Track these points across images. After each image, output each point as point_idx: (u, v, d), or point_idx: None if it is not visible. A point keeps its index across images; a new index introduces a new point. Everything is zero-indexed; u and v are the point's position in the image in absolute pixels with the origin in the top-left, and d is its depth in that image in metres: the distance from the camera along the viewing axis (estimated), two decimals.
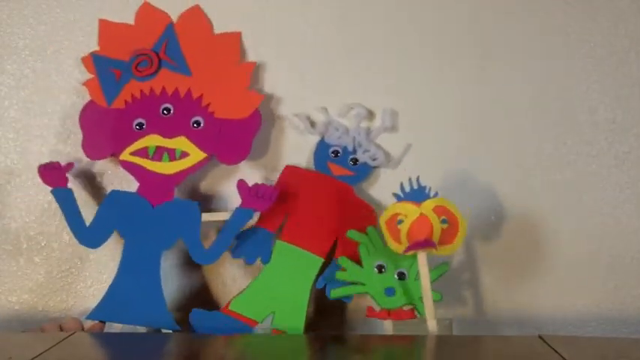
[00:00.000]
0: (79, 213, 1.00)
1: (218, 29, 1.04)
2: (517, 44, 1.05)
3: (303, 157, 1.06)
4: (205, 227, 1.02)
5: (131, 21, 1.04)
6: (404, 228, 0.94)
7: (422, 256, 0.95)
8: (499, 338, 1.02)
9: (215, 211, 1.03)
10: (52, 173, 1.00)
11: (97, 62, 1.03)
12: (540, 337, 0.93)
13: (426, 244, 0.93)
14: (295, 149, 1.05)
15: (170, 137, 1.01)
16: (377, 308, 0.98)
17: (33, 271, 1.07)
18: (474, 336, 1.03)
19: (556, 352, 0.88)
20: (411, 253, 0.94)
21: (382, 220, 0.96)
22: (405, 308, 0.98)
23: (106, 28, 1.04)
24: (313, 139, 1.05)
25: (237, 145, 1.01)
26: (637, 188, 1.06)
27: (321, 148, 1.04)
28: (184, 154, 1.01)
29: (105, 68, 1.03)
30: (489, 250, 1.06)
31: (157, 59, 1.02)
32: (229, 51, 1.03)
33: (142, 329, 1.00)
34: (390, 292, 0.98)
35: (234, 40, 1.04)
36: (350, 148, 1.04)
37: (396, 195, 0.97)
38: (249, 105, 1.01)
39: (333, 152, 1.04)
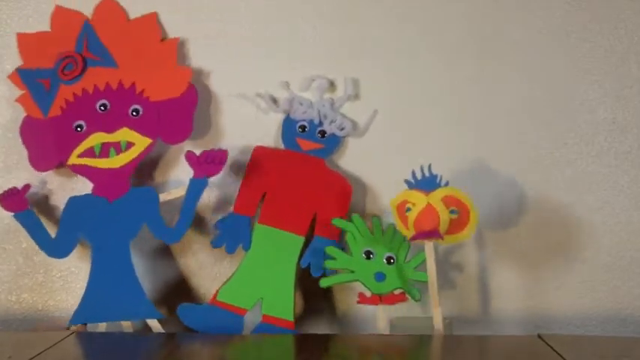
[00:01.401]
0: (44, 229, 1.01)
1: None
2: (516, 44, 1.05)
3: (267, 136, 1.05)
4: (169, 209, 1.01)
5: (47, 27, 1.04)
6: (411, 216, 0.94)
7: (428, 246, 0.95)
8: (499, 337, 1.02)
9: None
10: (11, 199, 1.01)
11: (23, 77, 1.03)
12: (540, 336, 0.93)
13: (432, 234, 0.93)
14: (259, 129, 1.05)
15: (112, 131, 1.02)
16: (368, 294, 0.98)
17: (32, 270, 1.07)
18: (474, 335, 1.03)
19: (555, 351, 0.88)
20: (416, 241, 0.94)
21: (393, 204, 0.96)
22: (396, 292, 0.98)
23: (24, 40, 1.04)
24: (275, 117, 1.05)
25: (179, 123, 1.01)
26: (637, 188, 1.05)
27: (288, 124, 1.04)
28: (130, 145, 1.01)
29: (32, 81, 1.03)
30: (488, 250, 1.06)
31: (81, 59, 1.02)
32: (149, 33, 1.03)
33: (127, 325, 1.00)
34: (380, 277, 0.98)
35: (150, 21, 1.03)
36: (316, 121, 1.03)
37: (407, 182, 0.97)
38: (181, 81, 1.01)
39: (300, 127, 1.04)
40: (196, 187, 0.99)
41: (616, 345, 0.94)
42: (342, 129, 1.03)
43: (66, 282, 1.07)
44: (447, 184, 0.96)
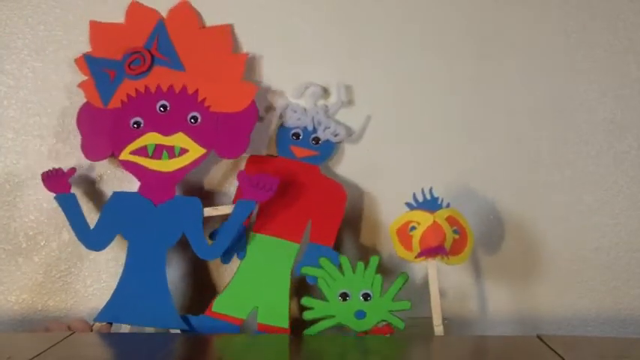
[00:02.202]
0: (83, 217, 1.00)
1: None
2: (515, 43, 1.05)
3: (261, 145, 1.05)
4: (211, 223, 1.01)
5: (122, 20, 1.04)
6: (417, 234, 0.94)
7: (432, 264, 0.95)
8: (498, 338, 1.02)
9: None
10: (54, 180, 1.00)
11: (90, 63, 1.03)
12: (539, 337, 0.93)
13: (439, 250, 0.93)
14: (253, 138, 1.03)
15: (168, 134, 1.01)
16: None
17: (32, 270, 1.07)
18: (473, 336, 1.03)
19: (555, 352, 0.88)
20: (422, 259, 0.95)
21: (393, 228, 0.96)
22: (380, 325, 0.98)
23: (96, 28, 1.04)
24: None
25: (236, 139, 1.00)
26: (636, 188, 1.06)
27: (282, 132, 1.04)
28: (183, 151, 1.01)
29: (98, 69, 1.03)
30: (487, 250, 1.06)
31: (150, 56, 1.02)
32: (221, 43, 1.03)
33: (150, 329, 1.00)
34: (360, 314, 0.98)
35: (225, 32, 1.03)
36: (310, 128, 1.03)
37: (408, 204, 0.97)
38: (244, 97, 1.01)
39: (294, 135, 1.03)
40: (242, 209, 0.98)
41: (616, 345, 0.94)
42: (336, 135, 1.03)
43: (65, 283, 1.07)
44: (448, 205, 0.96)
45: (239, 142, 1.00)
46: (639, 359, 0.89)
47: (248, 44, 1.04)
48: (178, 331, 0.99)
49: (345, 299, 0.98)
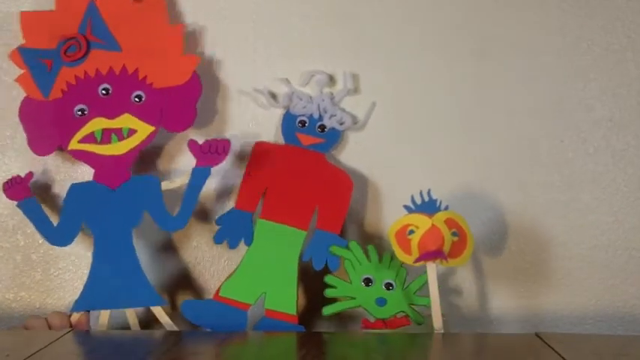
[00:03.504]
0: (46, 217, 1.01)
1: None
2: (513, 42, 1.05)
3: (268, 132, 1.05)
4: (172, 199, 1.01)
5: (52, 7, 1.02)
6: (415, 238, 0.94)
7: (431, 267, 0.95)
8: (496, 336, 1.02)
9: None
10: (15, 188, 1.00)
11: (25, 55, 1.01)
12: (537, 334, 0.93)
13: (437, 254, 0.93)
14: (260, 125, 1.05)
15: (114, 117, 1.00)
16: (371, 319, 0.99)
17: (30, 268, 1.07)
18: (471, 333, 1.03)
19: (553, 349, 0.88)
20: (420, 263, 0.95)
21: (392, 231, 0.96)
22: (399, 316, 0.98)
23: (28, 19, 1.01)
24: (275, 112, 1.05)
25: (182, 112, 1.00)
26: (634, 186, 1.06)
27: (288, 119, 1.04)
28: (132, 132, 1.00)
29: (34, 60, 1.01)
30: (486, 249, 1.06)
31: (85, 41, 1.00)
32: (155, 17, 1.01)
33: (131, 314, 1.00)
34: (381, 302, 0.98)
35: (158, 5, 1.01)
36: (316, 116, 1.03)
37: (406, 207, 0.97)
38: (185, 69, 1.00)
39: (300, 122, 1.03)
40: (199, 176, 0.98)
41: (614, 343, 0.94)
42: (342, 123, 1.03)
43: (63, 280, 1.07)
44: (446, 208, 0.96)
45: (186, 114, 1.00)
46: (637, 357, 0.89)
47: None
48: (175, 329, 0.99)
49: (368, 285, 0.98)
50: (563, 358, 0.85)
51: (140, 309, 1.01)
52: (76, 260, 1.06)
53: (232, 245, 1.01)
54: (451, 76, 1.05)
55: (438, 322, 0.95)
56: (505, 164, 1.06)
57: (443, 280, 1.04)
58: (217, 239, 1.02)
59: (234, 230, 1.01)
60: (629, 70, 1.05)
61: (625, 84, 1.05)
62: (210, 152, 0.98)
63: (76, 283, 1.06)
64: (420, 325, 0.98)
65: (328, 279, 0.99)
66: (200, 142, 0.99)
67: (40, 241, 1.06)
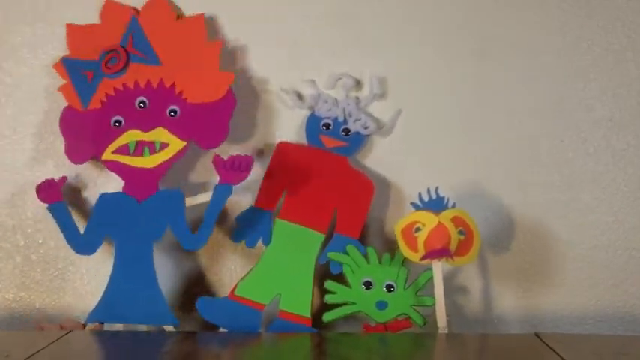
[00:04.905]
0: (74, 223, 1.01)
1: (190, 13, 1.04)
2: (514, 42, 1.05)
3: (291, 133, 1.05)
4: (196, 213, 1.01)
5: (97, 20, 1.04)
6: (421, 236, 0.94)
7: (437, 265, 0.95)
8: (496, 336, 1.02)
9: None
10: (47, 190, 1.01)
11: (68, 66, 1.03)
12: (537, 334, 0.93)
13: (443, 252, 0.93)
14: (283, 125, 1.05)
15: (148, 130, 1.01)
16: (372, 323, 0.99)
17: (30, 268, 1.06)
18: (471, 333, 1.03)
19: (553, 350, 0.88)
20: (426, 261, 0.95)
21: (398, 228, 0.96)
22: (400, 318, 0.98)
23: (73, 31, 1.04)
24: (299, 114, 1.05)
25: (215, 128, 1.00)
26: (634, 186, 1.06)
27: (312, 121, 1.04)
28: (164, 146, 1.01)
29: (76, 71, 1.02)
30: (486, 249, 1.06)
31: (125, 54, 1.02)
32: (195, 34, 1.02)
33: (142, 327, 1.00)
34: (381, 305, 0.98)
35: (198, 22, 1.02)
36: (341, 119, 1.03)
37: (414, 204, 0.97)
38: (220, 86, 1.00)
39: (324, 125, 1.03)
40: (221, 194, 0.98)
41: (613, 343, 0.94)
42: (367, 128, 1.03)
43: (63, 280, 1.06)
44: (454, 205, 0.96)
45: (218, 131, 1.00)
46: (637, 357, 0.89)
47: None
48: (173, 329, 0.99)
49: (368, 288, 0.98)
50: (563, 358, 0.85)
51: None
52: (76, 260, 1.06)
53: (250, 244, 1.01)
54: (451, 76, 1.06)
55: (442, 320, 0.95)
56: (505, 164, 1.06)
57: (446, 279, 1.04)
58: (236, 237, 1.02)
59: (252, 229, 1.01)
60: (629, 70, 1.05)
61: (625, 84, 1.05)
62: (234, 169, 0.98)
63: (76, 284, 1.06)
64: (421, 326, 0.98)
65: (328, 284, 0.99)
66: (224, 157, 0.98)
67: (40, 241, 1.06)
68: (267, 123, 1.05)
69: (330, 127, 1.03)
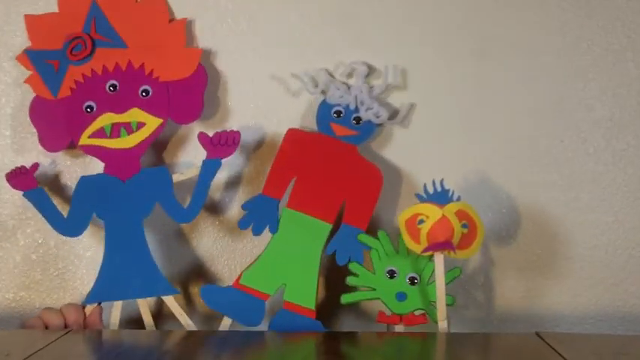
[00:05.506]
0: (55, 208, 1.01)
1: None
2: (514, 42, 1.05)
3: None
4: (180, 191, 1.02)
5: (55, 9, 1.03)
6: (424, 228, 0.94)
7: (439, 258, 0.95)
8: (496, 335, 1.02)
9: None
10: (20, 178, 1.01)
11: (32, 57, 1.03)
12: (537, 334, 0.93)
13: (446, 245, 0.93)
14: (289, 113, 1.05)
15: (122, 112, 1.02)
16: (388, 313, 0.98)
17: (30, 268, 1.06)
18: (471, 333, 1.03)
19: (553, 349, 0.88)
20: (428, 253, 0.95)
21: (402, 219, 0.96)
22: (417, 313, 0.98)
23: (32, 21, 1.03)
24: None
25: (189, 104, 1.01)
26: (634, 186, 1.06)
27: (323, 108, 1.02)
28: (141, 125, 1.01)
29: (41, 61, 1.02)
30: (486, 248, 1.06)
31: (90, 40, 1.02)
32: (157, 14, 1.03)
33: (143, 305, 1.00)
34: (401, 297, 0.98)
35: (159, 2, 1.03)
36: (352, 107, 1.02)
37: (418, 195, 0.97)
38: (190, 62, 1.01)
39: (335, 113, 1.02)
40: (210, 169, 0.99)
41: (614, 343, 0.94)
42: (378, 117, 1.01)
43: (63, 280, 1.06)
44: (459, 198, 0.96)
45: (193, 106, 1.01)
46: (638, 357, 0.89)
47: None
48: (189, 321, 1.00)
49: (392, 277, 0.98)
50: (563, 357, 0.85)
51: (153, 303, 1.03)
52: (76, 260, 1.06)
53: (257, 231, 1.00)
54: (451, 76, 1.06)
55: (442, 313, 0.95)
56: (505, 164, 1.06)
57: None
58: (243, 224, 1.01)
59: (260, 216, 1.00)
60: (629, 70, 1.05)
61: (625, 84, 1.06)
62: (221, 144, 0.99)
63: (76, 283, 1.06)
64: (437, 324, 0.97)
65: (352, 266, 0.98)
66: (210, 134, 0.99)
67: (40, 241, 1.06)
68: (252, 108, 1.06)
69: (342, 115, 1.02)
